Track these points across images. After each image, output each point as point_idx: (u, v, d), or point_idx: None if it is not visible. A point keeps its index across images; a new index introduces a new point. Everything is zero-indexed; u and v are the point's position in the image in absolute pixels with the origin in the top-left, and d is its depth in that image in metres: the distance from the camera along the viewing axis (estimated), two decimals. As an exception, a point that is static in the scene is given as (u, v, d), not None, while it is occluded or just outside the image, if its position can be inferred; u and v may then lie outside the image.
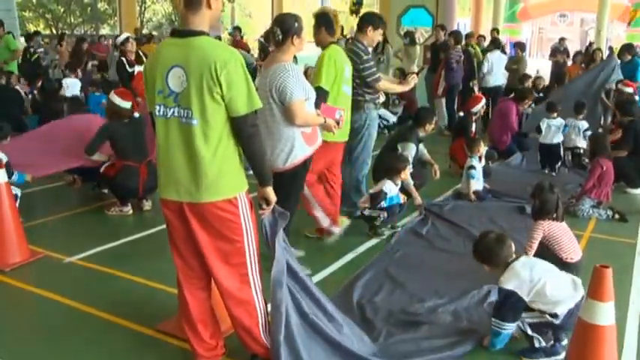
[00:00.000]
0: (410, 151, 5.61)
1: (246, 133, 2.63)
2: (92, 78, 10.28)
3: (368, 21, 5.08)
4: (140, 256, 4.59)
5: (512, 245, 3.23)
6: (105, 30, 26.02)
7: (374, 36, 5.08)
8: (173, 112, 2.59)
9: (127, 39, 8.34)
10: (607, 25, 19.39)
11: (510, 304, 3.06)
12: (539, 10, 26.66)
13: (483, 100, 7.65)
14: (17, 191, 5.01)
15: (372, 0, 25.77)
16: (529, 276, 3.06)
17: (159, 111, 2.63)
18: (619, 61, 9.04)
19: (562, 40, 15.03)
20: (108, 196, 5.91)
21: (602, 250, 4.84)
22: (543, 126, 7.33)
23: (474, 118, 7.38)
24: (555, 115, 7.32)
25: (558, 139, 7.30)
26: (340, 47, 4.70)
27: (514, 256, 3.20)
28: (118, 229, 5.21)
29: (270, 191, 2.84)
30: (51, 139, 5.69)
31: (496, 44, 11.18)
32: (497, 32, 13.29)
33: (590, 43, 15.94)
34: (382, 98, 5.33)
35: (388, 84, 5.33)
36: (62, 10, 28.12)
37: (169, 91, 2.58)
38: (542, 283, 3.04)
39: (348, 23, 17.14)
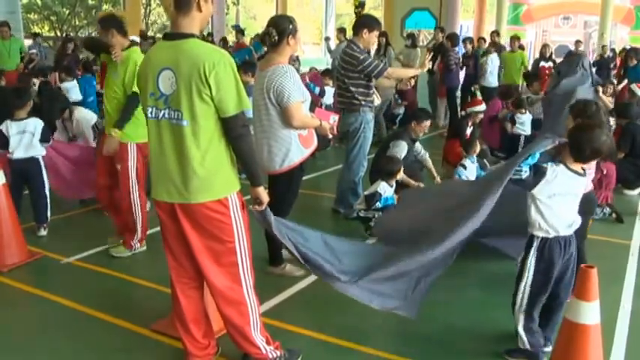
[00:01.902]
0: (400, 148, 5.61)
1: (236, 133, 2.66)
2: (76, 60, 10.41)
3: (363, 24, 5.13)
4: (138, 256, 4.63)
5: (603, 147, 2.98)
6: (110, 32, 26.09)
7: (369, 38, 5.12)
8: (164, 114, 2.64)
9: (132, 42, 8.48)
10: (610, 28, 19.37)
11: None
12: (543, 13, 26.65)
13: (483, 105, 7.65)
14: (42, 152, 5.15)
15: (377, 2, 25.84)
16: (551, 188, 3.00)
17: (151, 113, 2.68)
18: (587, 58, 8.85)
19: (578, 42, 15.17)
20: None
21: (597, 250, 4.84)
22: (519, 121, 7.75)
23: (470, 121, 7.39)
24: (524, 111, 7.72)
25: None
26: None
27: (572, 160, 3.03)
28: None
29: (261, 191, 2.87)
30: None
31: (495, 46, 11.39)
32: (498, 35, 13.31)
33: (603, 46, 15.87)
34: (377, 101, 5.36)
35: (401, 70, 5.35)
36: (67, 12, 28.25)
37: (160, 93, 2.62)
38: (554, 203, 3.01)
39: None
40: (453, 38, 10.54)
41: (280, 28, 3.84)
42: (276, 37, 3.83)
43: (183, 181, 2.66)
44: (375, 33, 5.16)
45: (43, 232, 5.12)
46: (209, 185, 2.67)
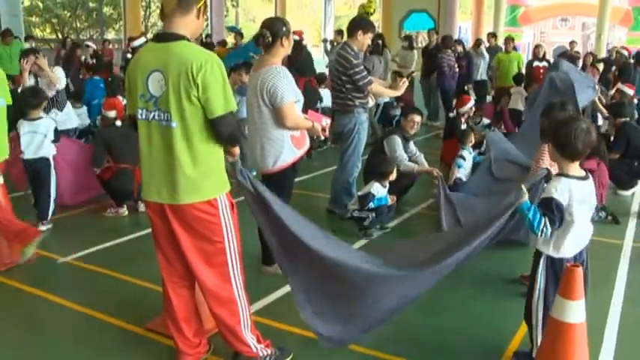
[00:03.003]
0: (394, 142, 5.69)
1: (224, 133, 2.70)
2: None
3: (358, 26, 5.16)
4: (133, 256, 4.67)
5: (590, 137, 2.86)
6: (110, 34, 26.20)
7: (364, 40, 5.16)
8: (154, 115, 2.67)
9: (146, 42, 8.55)
10: (608, 29, 19.38)
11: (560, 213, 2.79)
12: (540, 14, 26.67)
13: (472, 101, 7.70)
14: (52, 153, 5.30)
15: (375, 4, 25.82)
16: (568, 205, 2.83)
17: (141, 114, 2.71)
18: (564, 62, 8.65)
19: (572, 43, 15.12)
20: (104, 198, 5.98)
21: (589, 250, 4.88)
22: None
23: (463, 119, 7.44)
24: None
25: None
26: None
27: (568, 163, 2.90)
28: (113, 230, 5.29)
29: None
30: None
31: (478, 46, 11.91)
32: (494, 36, 13.37)
33: (614, 48, 15.86)
34: (371, 102, 5.40)
35: (380, 88, 5.40)
36: (68, 15, 28.36)
37: (150, 95, 2.66)
38: (572, 220, 2.87)
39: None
40: (446, 40, 10.59)
41: (274, 30, 3.88)
42: (270, 39, 3.88)
43: (173, 182, 2.69)
44: (370, 35, 5.20)
45: (43, 228, 5.23)
46: (198, 186, 2.70)
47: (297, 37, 8.69)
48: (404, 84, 5.36)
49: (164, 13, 2.72)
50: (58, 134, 5.30)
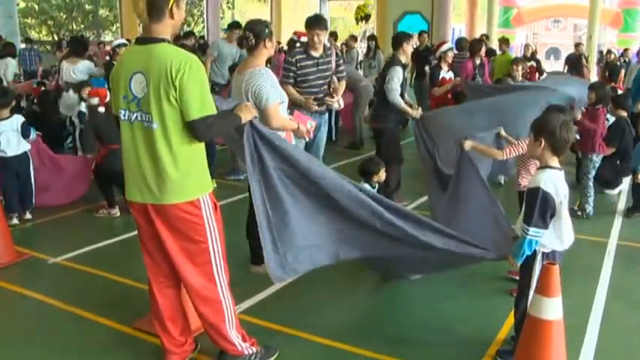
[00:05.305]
0: (397, 73, 5.78)
1: (200, 138, 2.72)
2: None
3: (305, 25, 5.17)
4: (123, 256, 4.71)
5: (568, 142, 2.97)
6: (107, 36, 26.19)
7: (309, 38, 5.15)
8: (136, 116, 2.71)
9: (121, 45, 8.56)
10: (598, 31, 19.46)
11: (543, 206, 2.87)
12: (533, 16, 26.74)
13: (449, 44, 7.66)
14: (28, 146, 5.61)
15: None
16: (557, 195, 2.90)
17: (124, 115, 2.75)
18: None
19: (578, 45, 14.98)
20: (97, 199, 6.03)
21: (574, 248, 4.90)
22: None
23: (442, 63, 7.38)
24: None
25: None
26: None
27: (553, 157, 2.99)
28: (104, 231, 5.33)
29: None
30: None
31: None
32: (487, 38, 13.43)
33: (609, 51, 15.80)
34: (336, 105, 5.38)
35: (293, 96, 5.17)
36: (64, 16, 28.35)
37: (132, 96, 2.69)
38: (561, 210, 2.93)
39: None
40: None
41: (256, 32, 3.92)
42: (253, 41, 3.92)
43: (156, 183, 2.73)
44: (314, 32, 5.09)
45: (29, 216, 5.54)
46: (181, 187, 2.74)
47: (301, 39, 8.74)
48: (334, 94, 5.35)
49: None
50: (28, 130, 5.47)
